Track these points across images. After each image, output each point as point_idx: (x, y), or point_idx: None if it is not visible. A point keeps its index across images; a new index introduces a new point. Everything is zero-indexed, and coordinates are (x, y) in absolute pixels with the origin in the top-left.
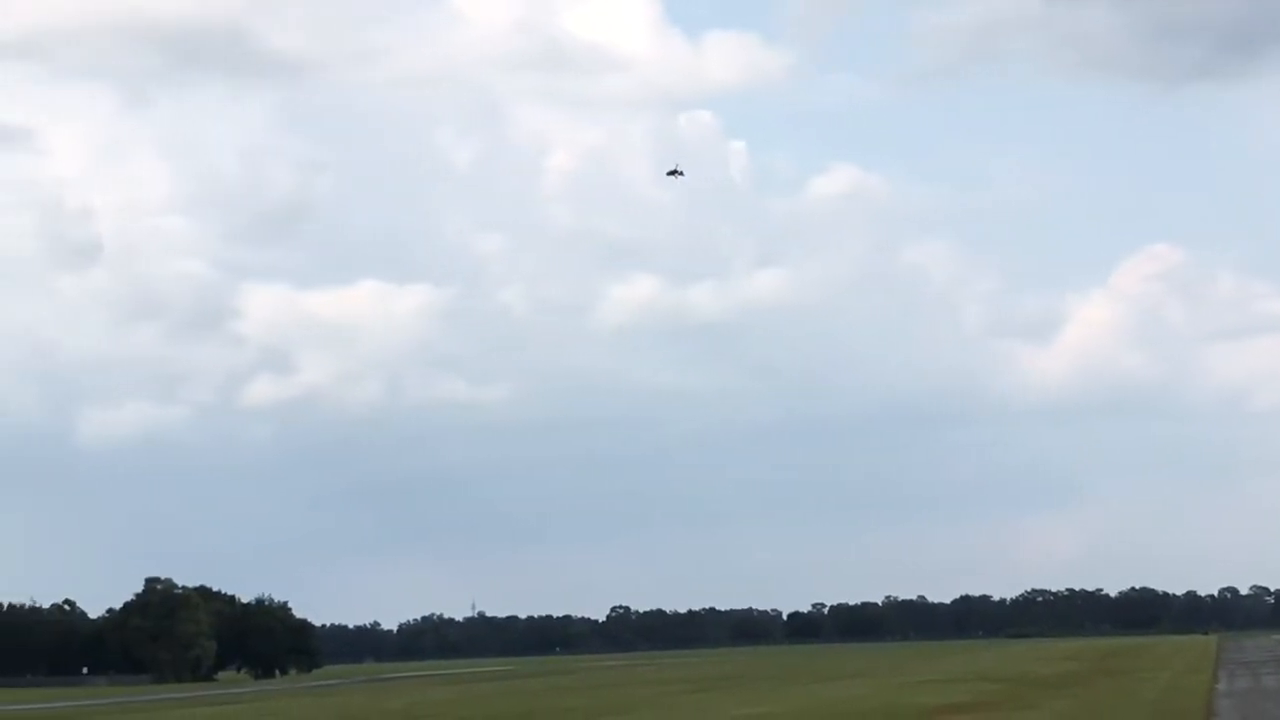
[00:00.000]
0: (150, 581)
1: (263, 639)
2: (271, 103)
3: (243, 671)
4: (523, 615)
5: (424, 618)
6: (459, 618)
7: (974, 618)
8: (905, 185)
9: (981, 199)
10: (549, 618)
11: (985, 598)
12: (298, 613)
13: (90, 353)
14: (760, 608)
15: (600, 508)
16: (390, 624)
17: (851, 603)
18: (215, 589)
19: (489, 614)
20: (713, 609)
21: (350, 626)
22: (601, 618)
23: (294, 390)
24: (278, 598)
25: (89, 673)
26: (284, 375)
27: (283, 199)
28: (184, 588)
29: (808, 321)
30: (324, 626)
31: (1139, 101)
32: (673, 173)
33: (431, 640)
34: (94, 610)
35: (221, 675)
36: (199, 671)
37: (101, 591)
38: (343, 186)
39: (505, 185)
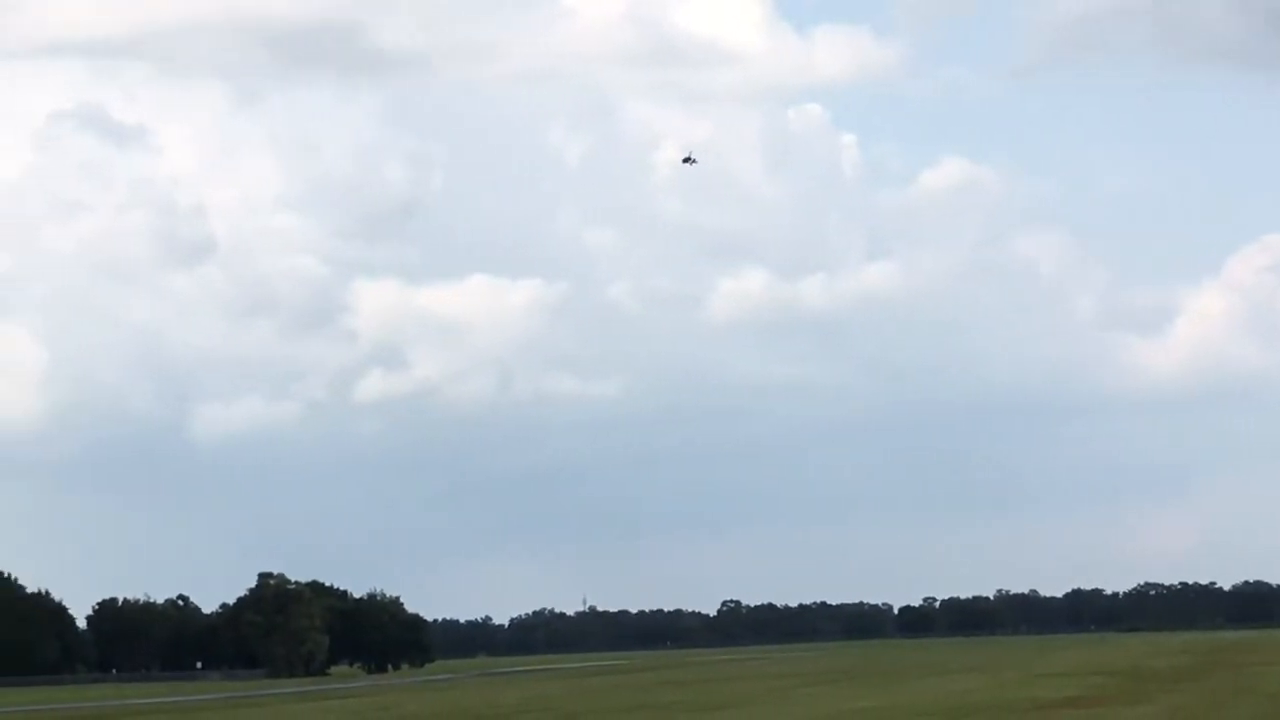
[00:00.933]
0: (263, 577)
1: (375, 634)
2: (382, 99)
3: (355, 666)
4: (633, 610)
5: (535, 612)
6: (570, 612)
7: (1086, 611)
8: (1015, 177)
9: (1092, 190)
10: (660, 612)
11: (1097, 591)
12: (410, 607)
13: (204, 350)
14: (871, 602)
15: (711, 502)
16: (502, 618)
17: (963, 597)
18: (328, 584)
19: (600, 608)
20: (823, 603)
21: (462, 621)
22: (712, 612)
23: (405, 386)
24: (390, 593)
25: (203, 668)
26: (395, 371)
27: (394, 195)
28: (297, 583)
29: (918, 314)
30: (436, 621)
31: (1250, 91)
32: (687, 160)
33: (543, 635)
34: (208, 606)
35: (334, 670)
36: (312, 666)
37: (215, 587)
38: (453, 182)
39: (615, 180)
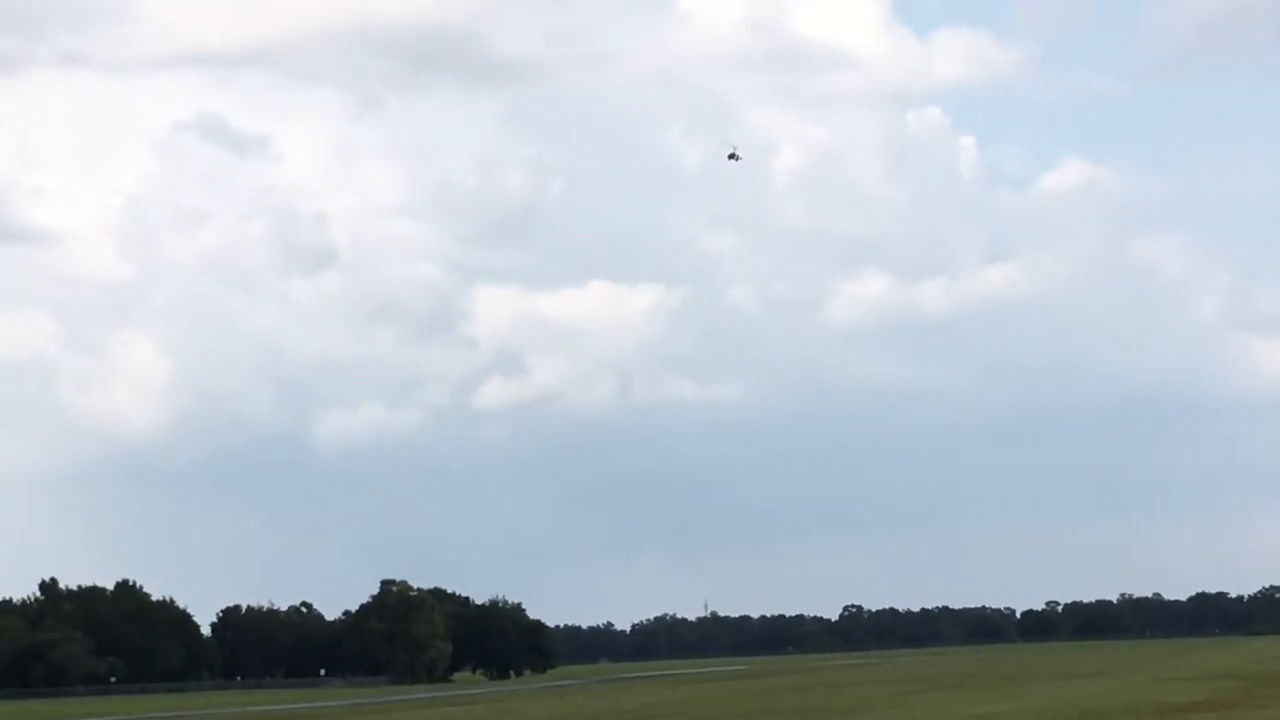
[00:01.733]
0: (386, 584)
1: (497, 640)
2: (502, 106)
3: (478, 672)
4: (755, 615)
5: (657, 618)
6: (692, 617)
7: (1211, 615)
8: (1137, 178)
9: (1215, 191)
10: (781, 617)
11: (1222, 594)
12: (532, 614)
13: (325, 357)
14: (993, 606)
15: (832, 505)
16: (623, 624)
17: (1086, 600)
18: (450, 591)
19: (721, 613)
20: (945, 608)
21: (584, 627)
22: (834, 617)
23: (526, 392)
24: (512, 599)
25: (326, 674)
26: (516, 377)
27: (514, 202)
28: (419, 590)
29: (1039, 317)
30: (558, 627)
31: None
32: (732, 156)
33: (664, 640)
34: (331, 613)
35: (457, 676)
36: (434, 673)
37: (338, 594)
38: (573, 188)
39: (735, 184)
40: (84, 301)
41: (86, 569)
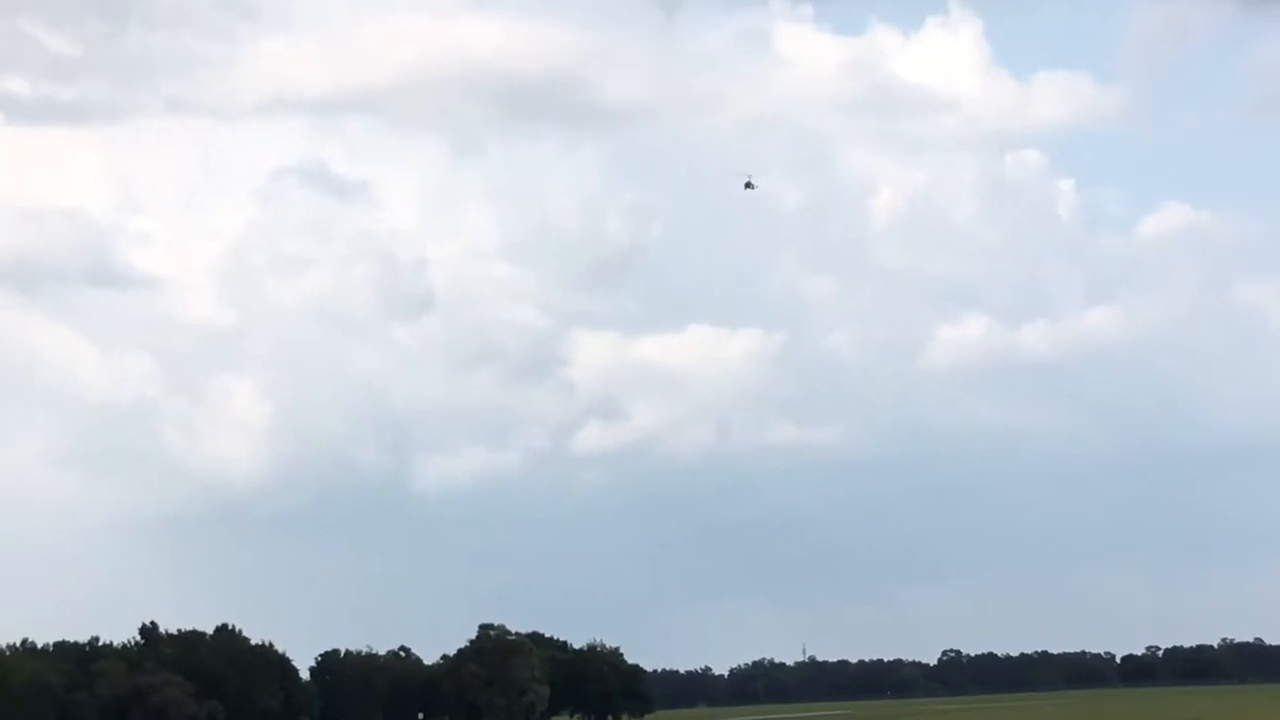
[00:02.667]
0: (484, 628)
1: (595, 684)
2: (603, 150)
3: (575, 717)
4: (853, 659)
5: (755, 662)
6: (790, 662)
7: None
8: (1239, 221)
9: None
10: (879, 662)
11: None
12: (630, 658)
13: (425, 401)
14: (1093, 650)
15: (931, 549)
16: (721, 669)
17: (1187, 645)
18: (548, 635)
19: (819, 658)
20: (1045, 652)
21: (681, 671)
22: (932, 661)
23: (625, 436)
24: (610, 643)
25: (425, 718)
26: (614, 421)
27: (614, 246)
28: (517, 634)
29: (1139, 360)
30: (656, 672)
31: None
32: (748, 185)
33: (763, 685)
34: (429, 656)
35: None
36: (532, 717)
37: (437, 638)
38: (673, 232)
39: (833, 227)
40: (186, 346)
41: (186, 613)
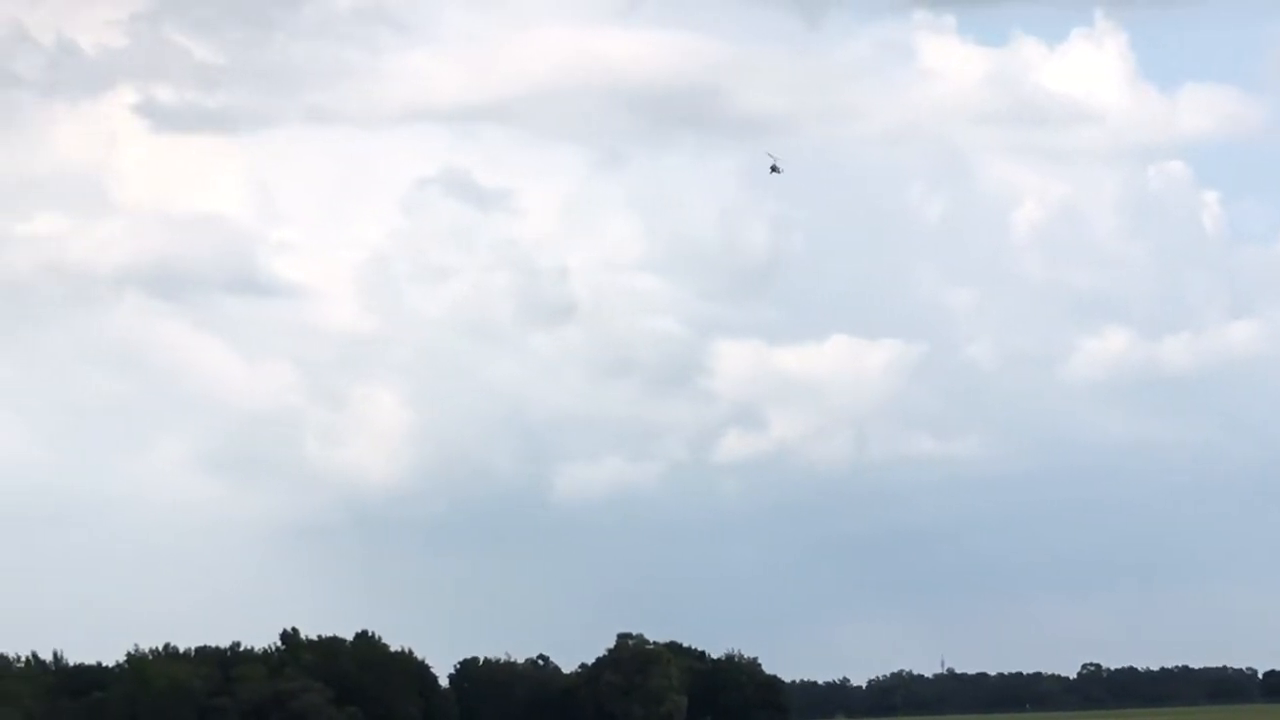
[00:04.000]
0: (622, 637)
1: (733, 694)
2: (743, 161)
3: None
4: (992, 672)
5: (893, 674)
6: (928, 674)
7: None
8: None
9: None
10: (1019, 674)
11: None
12: (768, 668)
13: (565, 410)
14: (1235, 666)
15: (1071, 562)
16: (859, 680)
17: None
18: (686, 644)
19: (958, 670)
20: (1185, 667)
21: (820, 683)
22: (1072, 675)
23: (764, 446)
24: (748, 653)
25: None
26: (754, 431)
27: (754, 256)
28: (655, 644)
29: None
30: (793, 682)
31: None
32: (774, 169)
33: (901, 697)
34: (568, 665)
35: None
36: None
37: (575, 647)
38: (814, 243)
39: (974, 239)
40: (327, 354)
41: (326, 619)
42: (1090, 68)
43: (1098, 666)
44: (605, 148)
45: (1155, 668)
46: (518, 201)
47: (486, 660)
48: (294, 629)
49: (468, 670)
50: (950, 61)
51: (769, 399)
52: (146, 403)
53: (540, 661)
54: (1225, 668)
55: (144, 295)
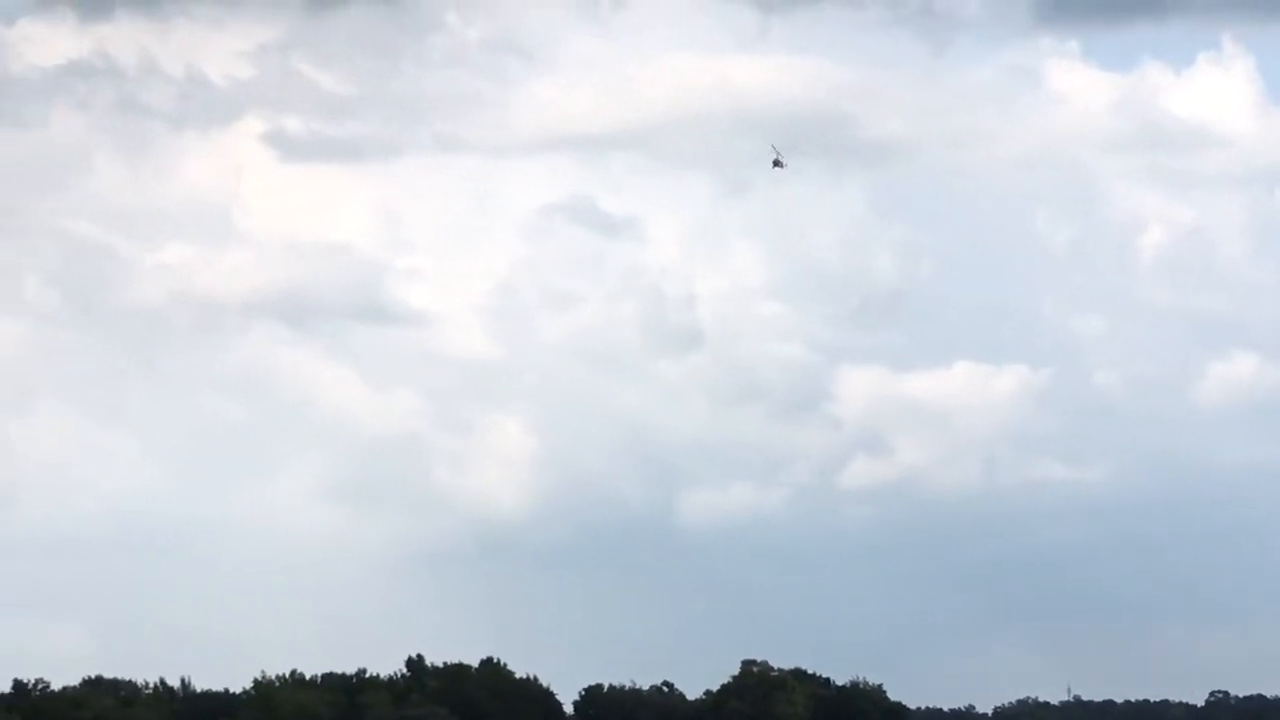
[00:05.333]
0: (747, 664)
1: None
2: (870, 187)
3: None
4: (1119, 699)
5: (1019, 701)
6: (1055, 701)
7: None
8: None
9: None
10: (1146, 702)
11: None
12: (892, 695)
13: (690, 437)
14: None
15: (1199, 589)
16: (985, 707)
17: None
18: (810, 671)
19: (1085, 697)
20: None
21: (945, 709)
22: (1200, 702)
23: (890, 473)
24: (872, 680)
25: None
26: (880, 457)
27: (880, 282)
28: (779, 670)
29: None
30: (918, 709)
31: None
32: (776, 163)
33: None
34: (692, 692)
35: None
36: None
37: (700, 673)
38: (940, 269)
39: (1102, 265)
40: (454, 381)
41: (452, 646)
42: (1218, 92)
43: (1226, 694)
44: (731, 174)
45: None
46: (644, 229)
47: (611, 687)
48: (419, 655)
49: (592, 697)
50: (1077, 86)
51: (895, 425)
52: (275, 430)
53: (665, 688)
54: None
55: (272, 323)
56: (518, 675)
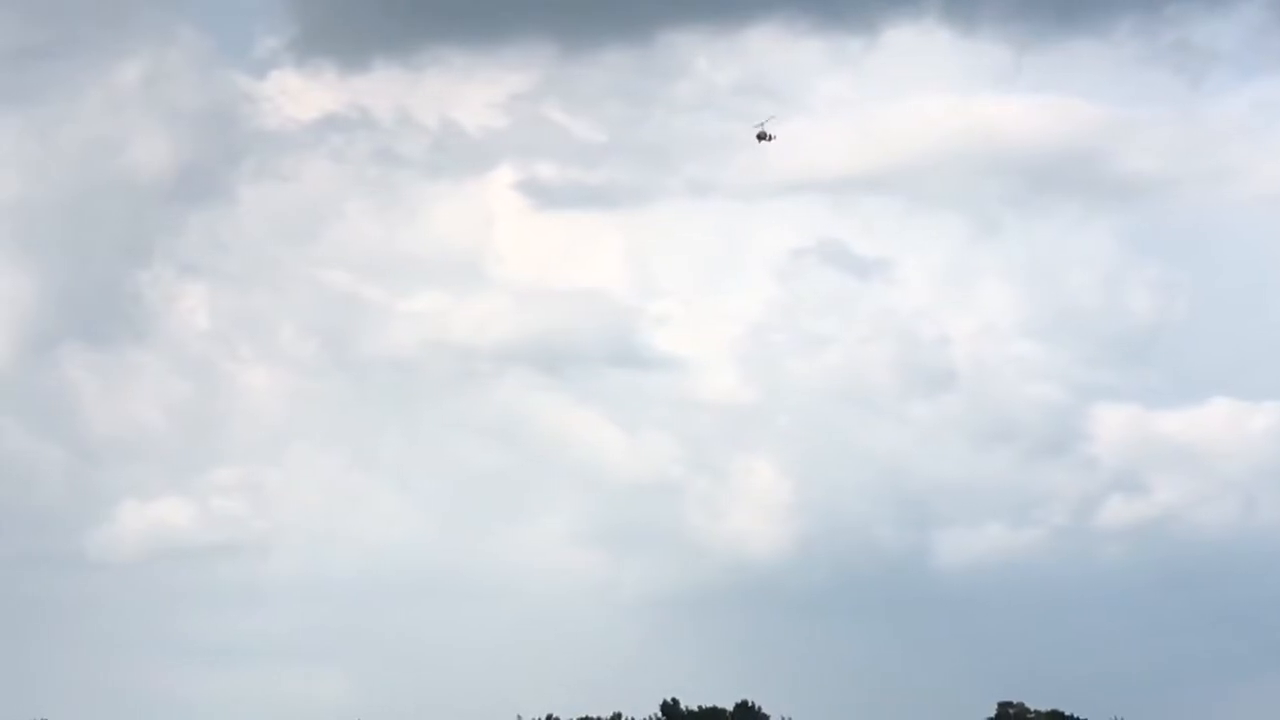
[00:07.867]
0: (1003, 705)
1: None
2: (1123, 225)
3: None
4: None
5: None
6: None
7: None
8: None
9: None
10: None
11: None
12: None
13: (945, 478)
14: None
15: None
16: None
17: None
18: (1068, 712)
19: None
20: None
21: None
22: None
23: (1147, 512)
24: None
25: None
26: (1136, 497)
27: (1136, 322)
28: (1036, 712)
29: None
30: None
31: None
32: (761, 136)
33: None
34: None
35: None
36: None
37: (955, 714)
38: (1195, 305)
39: None
40: (707, 425)
41: (707, 689)
42: None
43: None
44: (982, 214)
45: None
46: (895, 270)
47: None
48: (674, 699)
49: None
50: None
51: (1151, 464)
52: (530, 476)
53: None
54: None
55: (526, 370)
56: (773, 718)
